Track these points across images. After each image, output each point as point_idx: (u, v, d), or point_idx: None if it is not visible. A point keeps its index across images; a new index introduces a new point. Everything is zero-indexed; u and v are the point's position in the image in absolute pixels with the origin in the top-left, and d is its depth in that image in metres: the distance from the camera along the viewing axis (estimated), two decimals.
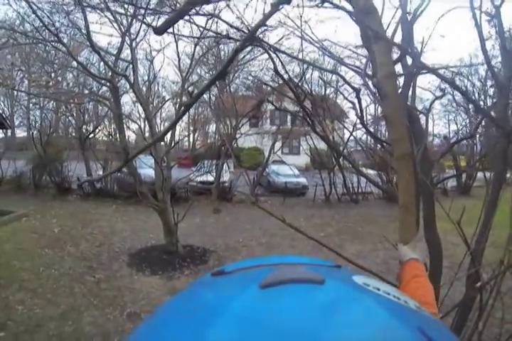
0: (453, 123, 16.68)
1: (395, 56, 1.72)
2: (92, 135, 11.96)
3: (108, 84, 5.36)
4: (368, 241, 6.91)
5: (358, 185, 11.48)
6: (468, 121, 11.94)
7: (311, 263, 0.52)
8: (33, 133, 13.87)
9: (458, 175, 12.19)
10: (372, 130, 9.60)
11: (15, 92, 21.49)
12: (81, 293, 4.15)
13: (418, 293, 0.90)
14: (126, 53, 6.14)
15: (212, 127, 13.41)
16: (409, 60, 1.97)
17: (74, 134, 11.32)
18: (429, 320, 0.40)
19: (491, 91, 9.17)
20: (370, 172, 10.99)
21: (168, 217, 5.43)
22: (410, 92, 2.01)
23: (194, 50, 6.61)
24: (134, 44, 5.60)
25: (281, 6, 1.45)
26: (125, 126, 6.53)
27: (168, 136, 6.37)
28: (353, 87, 2.04)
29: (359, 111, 2.04)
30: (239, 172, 10.88)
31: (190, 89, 7.15)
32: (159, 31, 1.50)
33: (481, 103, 10.60)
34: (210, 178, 10.62)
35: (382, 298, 0.41)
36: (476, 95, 11.47)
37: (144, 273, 4.91)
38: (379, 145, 9.26)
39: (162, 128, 12.26)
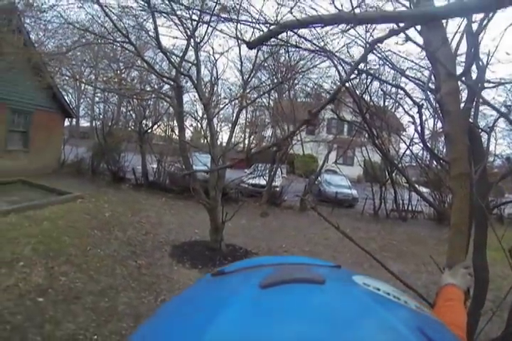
0: None
1: (459, 69, 1.66)
2: (150, 130, 12.47)
3: (172, 83, 5.66)
4: (412, 261, 6.66)
5: (408, 202, 11.06)
6: None
7: (311, 264, 0.52)
8: (96, 123, 14.86)
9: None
10: (429, 146, 9.17)
11: (82, 86, 23.05)
12: (121, 275, 4.37)
13: (448, 315, 0.87)
14: (189, 55, 6.44)
15: (269, 131, 13.50)
16: (473, 74, 1.89)
17: (133, 128, 11.98)
18: (429, 320, 0.40)
19: None
20: (424, 190, 10.49)
21: (217, 215, 5.57)
22: (473, 108, 1.93)
23: (256, 54, 6.79)
24: (198, 46, 5.86)
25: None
26: (186, 123, 6.87)
27: (226, 136, 6.56)
28: (414, 102, 1.97)
29: (419, 126, 1.98)
30: (291, 178, 10.87)
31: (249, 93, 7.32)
32: (251, 46, 1.61)
33: None
34: (262, 182, 10.73)
35: (382, 298, 0.41)
36: None
37: (184, 265, 5.06)
38: (435, 163, 8.85)
39: (219, 128, 12.68)
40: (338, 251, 6.18)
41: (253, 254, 5.98)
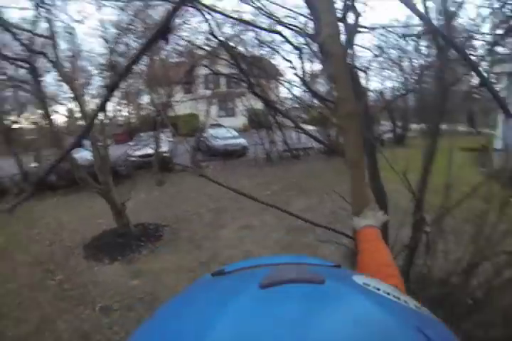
0: (387, 79, 17.56)
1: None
2: (16, 125, 10.72)
3: (26, 65, 4.72)
4: (314, 195, 7.18)
5: (298, 141, 11.82)
6: (403, 77, 12.56)
7: (311, 263, 0.52)
8: None
9: (396, 128, 13.10)
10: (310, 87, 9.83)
11: None
12: (46, 302, 3.89)
13: (375, 256, 0.92)
14: (43, 28, 5.35)
15: (146, 98, 12.65)
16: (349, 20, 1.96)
17: None
18: (429, 320, 0.40)
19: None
20: (309, 128, 11.34)
21: (114, 198, 5.19)
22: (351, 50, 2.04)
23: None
24: (50, 16, 4.89)
25: None
26: (53, 109, 5.93)
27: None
28: (296, 46, 2.00)
29: (301, 70, 2.04)
30: (177, 140, 10.61)
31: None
32: None
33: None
34: (150, 151, 10.25)
35: (382, 297, 0.41)
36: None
37: (103, 262, 4.72)
38: (317, 102, 9.56)
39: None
40: (242, 202, 6.29)
41: (164, 227, 5.86)
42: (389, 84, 16.08)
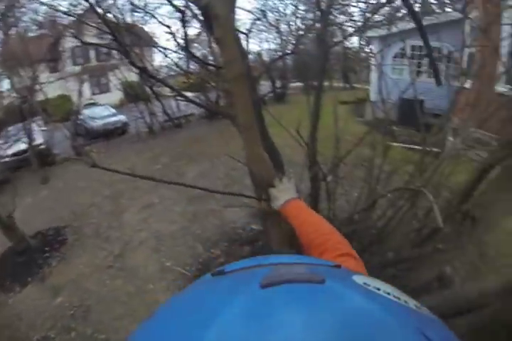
0: (264, 41, 17.88)
1: None
2: None
3: None
4: (204, 160, 7.18)
5: (178, 109, 11.43)
6: (280, 39, 12.87)
7: (310, 263, 0.52)
8: None
9: (280, 88, 13.63)
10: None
11: None
12: None
13: (316, 229, 0.91)
14: None
15: (5, 84, 10.42)
16: None
17: None
18: (429, 320, 0.41)
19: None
20: (189, 94, 11.04)
21: None
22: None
23: None
24: None
25: None
26: None
27: None
28: (178, 9, 1.84)
29: (183, 35, 1.91)
30: (52, 128, 9.25)
31: None
32: None
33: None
34: (23, 146, 8.61)
35: (382, 297, 0.41)
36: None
37: (14, 291, 3.96)
38: (195, 67, 9.29)
39: None
40: (137, 181, 6.01)
41: (64, 228, 5.20)
42: (266, 46, 16.64)
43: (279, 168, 2.25)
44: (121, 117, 12.07)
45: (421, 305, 0.43)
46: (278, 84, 14.04)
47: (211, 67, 2.41)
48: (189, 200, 5.29)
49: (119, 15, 8.25)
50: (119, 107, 14.60)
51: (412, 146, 5.37)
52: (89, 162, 1.16)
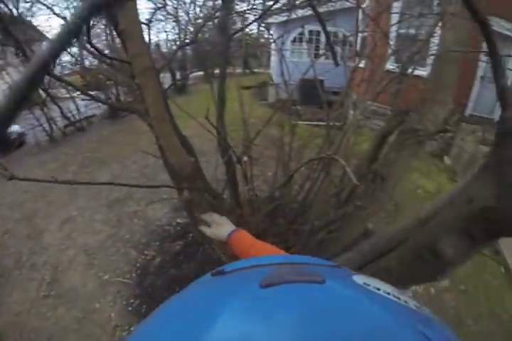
0: (162, 31, 17.22)
1: None
2: None
3: None
4: (115, 162, 6.88)
5: (78, 111, 10.49)
6: (179, 29, 12.49)
7: (310, 263, 0.52)
8: None
9: (180, 79, 13.25)
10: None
11: None
12: None
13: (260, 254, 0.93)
14: None
15: None
16: None
17: None
18: (429, 321, 0.41)
19: None
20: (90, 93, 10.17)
21: None
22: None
23: None
24: None
25: None
26: None
27: None
28: None
29: (87, 30, 1.74)
30: None
31: None
32: None
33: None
34: None
35: (382, 297, 0.41)
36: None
37: None
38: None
39: None
40: (47, 195, 5.63)
41: None
42: (164, 36, 15.97)
43: (191, 156, 2.28)
44: (15, 127, 10.41)
45: (421, 306, 0.43)
46: (178, 75, 13.82)
47: (114, 62, 2.27)
48: (109, 206, 5.03)
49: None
50: None
51: (316, 123, 5.79)
52: (7, 174, 1.06)
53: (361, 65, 5.05)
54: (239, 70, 14.93)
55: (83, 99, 9.69)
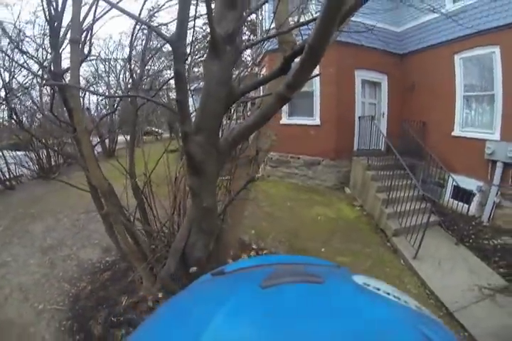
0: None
1: None
2: None
3: None
4: (48, 216, 7.31)
5: (7, 169, 10.62)
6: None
7: (310, 263, 0.55)
8: None
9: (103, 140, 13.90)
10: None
11: None
12: None
13: None
14: None
15: None
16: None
17: None
18: (429, 320, 0.41)
19: None
20: (19, 153, 10.61)
21: None
22: None
23: None
24: None
25: None
26: None
27: None
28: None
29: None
30: None
31: None
32: None
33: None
34: None
35: (382, 297, 0.41)
36: None
37: None
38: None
39: None
40: None
41: None
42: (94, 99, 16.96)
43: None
44: None
45: (421, 306, 0.43)
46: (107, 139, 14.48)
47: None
48: (43, 252, 5.54)
49: None
50: None
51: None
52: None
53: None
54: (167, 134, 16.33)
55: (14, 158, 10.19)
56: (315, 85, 8.11)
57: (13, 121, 9.89)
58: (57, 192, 8.78)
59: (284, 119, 8.73)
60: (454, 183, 6.25)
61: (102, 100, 14.38)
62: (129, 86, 11.17)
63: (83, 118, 2.58)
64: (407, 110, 8.61)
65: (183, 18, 1.26)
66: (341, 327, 0.34)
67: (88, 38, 2.72)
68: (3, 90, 9.19)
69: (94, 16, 2.66)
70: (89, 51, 2.82)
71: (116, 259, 4.82)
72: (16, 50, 7.26)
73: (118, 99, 5.90)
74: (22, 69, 8.89)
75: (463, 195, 6.56)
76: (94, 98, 17.66)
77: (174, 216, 3.57)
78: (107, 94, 13.45)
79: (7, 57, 8.60)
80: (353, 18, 6.89)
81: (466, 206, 6.61)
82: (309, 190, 8.01)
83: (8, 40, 7.41)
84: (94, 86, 14.10)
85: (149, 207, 3.67)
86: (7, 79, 9.11)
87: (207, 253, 2.36)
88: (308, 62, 1.11)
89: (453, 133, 7.39)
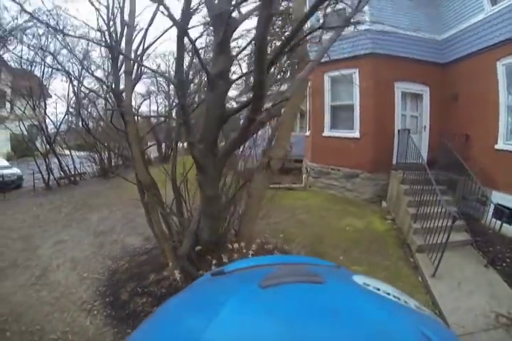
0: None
1: None
2: None
3: None
4: (103, 208, 8.63)
5: (74, 166, 12.43)
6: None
7: (311, 263, 0.58)
8: None
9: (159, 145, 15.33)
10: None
11: None
12: None
13: None
14: None
15: None
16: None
17: None
18: (429, 320, 0.42)
19: None
20: (83, 154, 12.37)
21: None
22: None
23: None
24: None
25: None
26: None
27: None
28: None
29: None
30: None
31: None
32: None
33: None
34: None
35: (382, 297, 0.43)
36: None
37: None
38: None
39: None
40: (42, 226, 7.27)
41: None
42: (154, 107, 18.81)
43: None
44: (16, 170, 12.05)
45: (421, 306, 0.44)
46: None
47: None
48: (95, 235, 6.65)
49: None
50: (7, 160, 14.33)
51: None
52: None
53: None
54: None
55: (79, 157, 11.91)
56: (355, 98, 8.44)
57: (80, 125, 11.67)
58: (114, 190, 10.21)
59: (326, 132, 9.12)
60: (495, 201, 6.13)
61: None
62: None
63: (135, 127, 3.40)
64: (450, 122, 8.41)
65: (179, 67, 2.03)
66: (342, 327, 0.36)
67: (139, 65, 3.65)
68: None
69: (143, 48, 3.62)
70: (139, 78, 3.78)
71: (155, 247, 5.68)
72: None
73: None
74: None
75: (506, 214, 6.00)
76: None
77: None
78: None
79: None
80: (391, 30, 7.23)
81: (509, 227, 6.44)
82: (346, 201, 8.37)
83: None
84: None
85: (183, 200, 4.49)
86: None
87: (214, 236, 3.07)
88: (255, 94, 1.80)
89: (496, 147, 7.04)
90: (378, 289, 0.45)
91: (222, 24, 2.23)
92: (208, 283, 0.57)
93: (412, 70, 8.30)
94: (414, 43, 8.20)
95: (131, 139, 3.48)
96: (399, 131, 8.36)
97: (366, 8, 7.08)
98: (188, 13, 2.18)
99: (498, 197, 6.53)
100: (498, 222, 5.99)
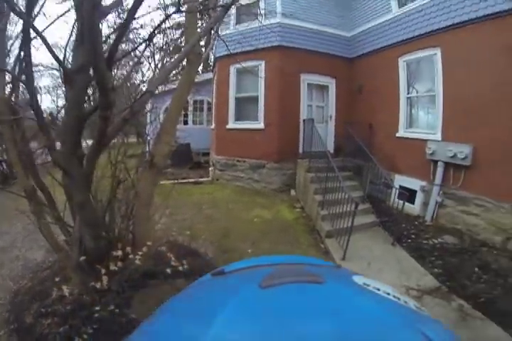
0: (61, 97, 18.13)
1: None
2: None
3: None
4: (3, 222, 7.94)
5: None
6: None
7: (310, 263, 0.60)
8: None
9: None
10: None
11: None
12: None
13: None
14: None
15: None
16: None
17: None
18: (429, 320, 0.44)
19: None
20: None
21: None
22: None
23: None
24: None
25: None
26: None
27: None
28: None
29: None
30: None
31: None
32: None
33: None
34: None
35: (382, 298, 0.45)
36: None
37: None
38: None
39: None
40: None
41: None
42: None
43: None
44: None
45: (421, 306, 0.46)
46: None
47: None
48: None
49: None
50: None
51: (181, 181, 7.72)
52: None
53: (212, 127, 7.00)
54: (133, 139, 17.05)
55: None
56: (259, 90, 8.77)
57: None
58: (14, 199, 9.31)
59: (231, 124, 9.38)
60: (398, 183, 6.74)
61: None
62: None
63: (12, 132, 3.11)
64: (355, 112, 9.35)
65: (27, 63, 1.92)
66: (342, 327, 0.34)
67: None
68: None
69: None
70: None
71: (58, 260, 5.40)
72: None
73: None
74: None
75: (406, 195, 6.69)
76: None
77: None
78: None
79: None
80: (301, 24, 7.65)
81: (411, 206, 7.12)
82: (254, 192, 8.63)
83: None
84: None
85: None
86: None
87: (98, 244, 2.96)
88: (100, 87, 1.78)
89: (397, 134, 8.06)
90: (378, 289, 0.46)
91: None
92: (208, 282, 0.57)
93: (320, 63, 9.03)
94: (323, 38, 8.85)
95: (7, 143, 3.16)
96: (304, 120, 8.87)
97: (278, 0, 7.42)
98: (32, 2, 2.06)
99: (400, 180, 7.26)
100: (401, 203, 6.54)
